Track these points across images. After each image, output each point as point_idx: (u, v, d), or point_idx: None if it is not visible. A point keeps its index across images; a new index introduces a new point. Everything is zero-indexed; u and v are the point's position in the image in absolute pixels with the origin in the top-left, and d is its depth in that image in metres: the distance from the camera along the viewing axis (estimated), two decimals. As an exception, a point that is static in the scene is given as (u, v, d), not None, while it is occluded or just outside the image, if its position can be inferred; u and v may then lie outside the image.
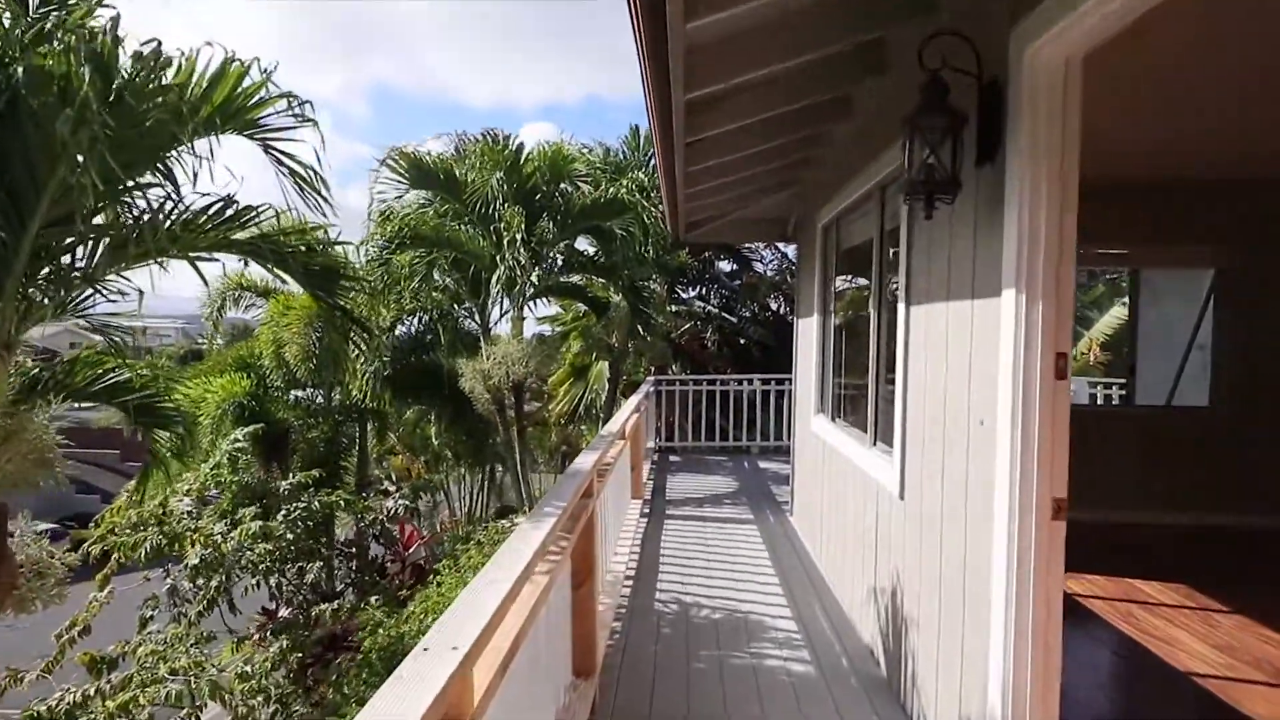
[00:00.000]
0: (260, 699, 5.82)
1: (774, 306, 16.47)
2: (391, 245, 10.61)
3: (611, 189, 11.10)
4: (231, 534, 6.88)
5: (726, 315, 16.13)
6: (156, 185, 3.79)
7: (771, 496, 7.83)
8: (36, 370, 4.45)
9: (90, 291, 4.22)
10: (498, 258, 10.42)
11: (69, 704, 5.40)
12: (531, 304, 11.87)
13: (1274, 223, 5.72)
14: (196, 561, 6.55)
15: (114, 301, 4.43)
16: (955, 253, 2.75)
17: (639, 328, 12.42)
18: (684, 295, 16.46)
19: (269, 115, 4.24)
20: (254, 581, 7.06)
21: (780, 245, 15.60)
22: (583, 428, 16.28)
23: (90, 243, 3.95)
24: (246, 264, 6.09)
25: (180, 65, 3.83)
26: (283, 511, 7.48)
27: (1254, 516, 5.72)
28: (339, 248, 6.25)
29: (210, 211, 4.26)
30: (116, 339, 4.73)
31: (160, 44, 3.35)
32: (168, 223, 4.02)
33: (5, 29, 3.50)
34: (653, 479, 8.67)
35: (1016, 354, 2.22)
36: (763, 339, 15.31)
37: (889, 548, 3.58)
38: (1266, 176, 5.51)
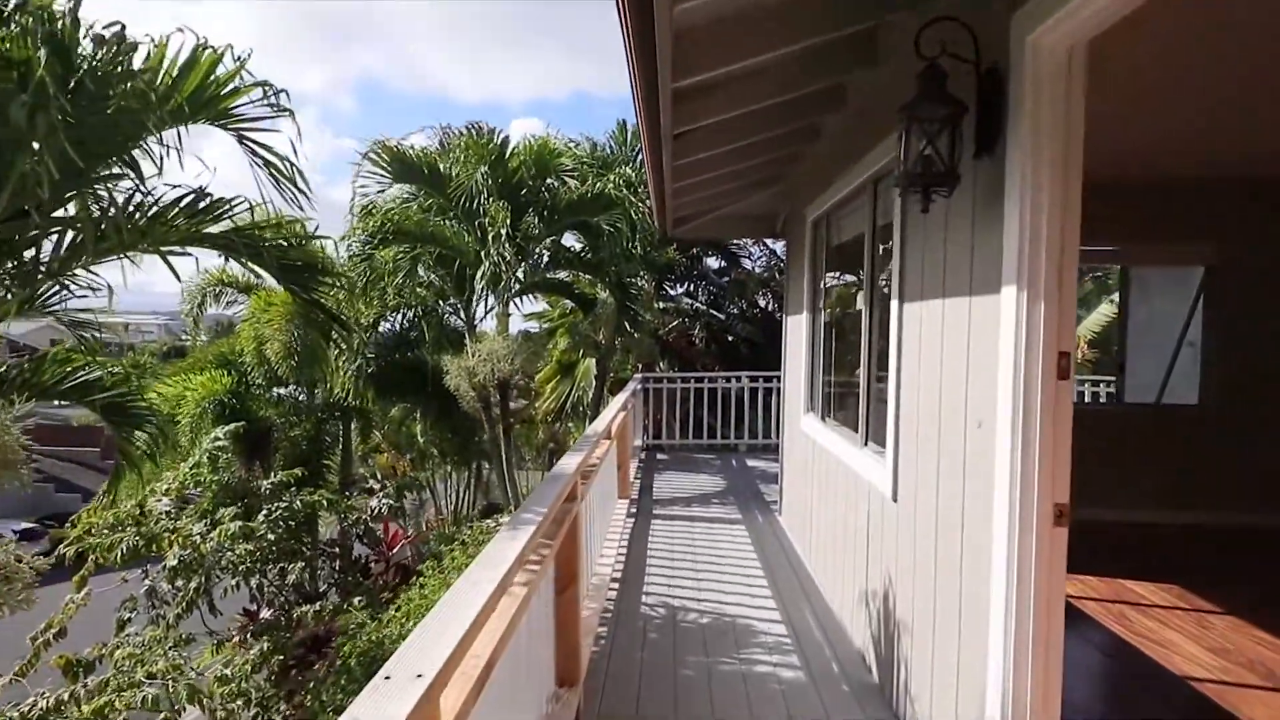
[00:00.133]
0: (240, 702, 5.69)
1: (762, 303, 16.44)
2: (374, 240, 10.45)
3: (598, 184, 10.98)
4: (211, 534, 6.76)
5: (714, 312, 16.06)
6: (123, 176, 3.64)
7: (760, 496, 7.75)
8: (2, 368, 4.30)
9: (57, 287, 4.08)
10: (483, 253, 10.28)
11: (43, 709, 5.24)
12: (517, 300, 11.78)
13: (1264, 220, 5.71)
14: (175, 562, 6.40)
15: (84, 298, 4.28)
16: (952, 248, 2.67)
17: (626, 324, 12.31)
18: (672, 292, 16.39)
19: (243, 105, 4.12)
20: (234, 582, 6.97)
21: (769, 242, 15.58)
22: (570, 425, 16.18)
23: (55, 236, 3.79)
24: (226, 259, 5.95)
25: (149, 52, 3.70)
26: (264, 511, 7.37)
27: (1245, 515, 5.71)
28: (318, 243, 6.11)
29: (182, 204, 4.12)
30: (86, 336, 4.59)
31: (124, 27, 3.20)
32: (137, 215, 3.87)
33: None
34: (640, 477, 8.57)
35: (1017, 353, 2.14)
36: (751, 336, 15.25)
37: (881, 551, 3.50)
38: (1257, 174, 5.50)
